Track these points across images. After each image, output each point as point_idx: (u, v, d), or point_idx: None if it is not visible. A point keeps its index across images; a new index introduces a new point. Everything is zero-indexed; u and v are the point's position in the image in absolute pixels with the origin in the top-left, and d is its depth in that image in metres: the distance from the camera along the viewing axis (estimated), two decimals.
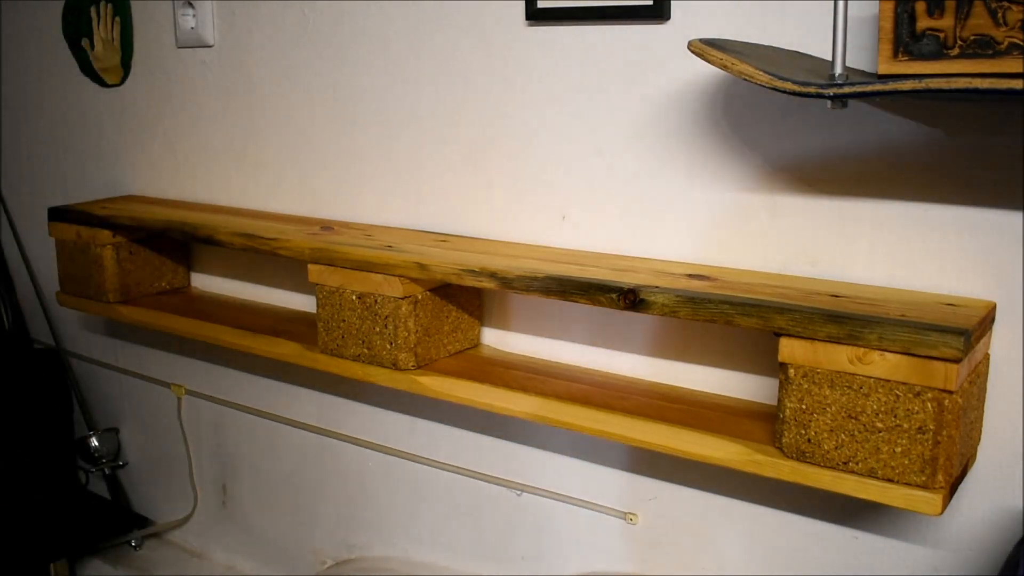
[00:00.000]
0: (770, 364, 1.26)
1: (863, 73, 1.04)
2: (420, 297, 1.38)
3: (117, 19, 1.93)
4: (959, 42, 0.91)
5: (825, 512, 1.27)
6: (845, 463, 1.06)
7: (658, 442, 1.20)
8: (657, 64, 1.28)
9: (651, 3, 1.26)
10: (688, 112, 1.28)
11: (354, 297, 1.41)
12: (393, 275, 1.36)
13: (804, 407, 1.07)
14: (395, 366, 1.40)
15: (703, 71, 1.25)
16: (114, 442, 2.20)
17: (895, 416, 1.02)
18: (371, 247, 1.42)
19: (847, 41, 0.97)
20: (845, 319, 1.02)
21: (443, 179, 1.53)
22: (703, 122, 1.27)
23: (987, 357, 1.11)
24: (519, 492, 1.56)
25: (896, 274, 1.16)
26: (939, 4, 0.91)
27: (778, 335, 1.07)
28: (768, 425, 1.18)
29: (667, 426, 1.21)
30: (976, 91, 0.87)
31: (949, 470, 1.01)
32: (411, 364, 1.40)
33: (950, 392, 0.99)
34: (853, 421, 1.04)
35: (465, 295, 1.46)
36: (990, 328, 1.10)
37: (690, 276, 1.22)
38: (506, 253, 1.37)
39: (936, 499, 1.01)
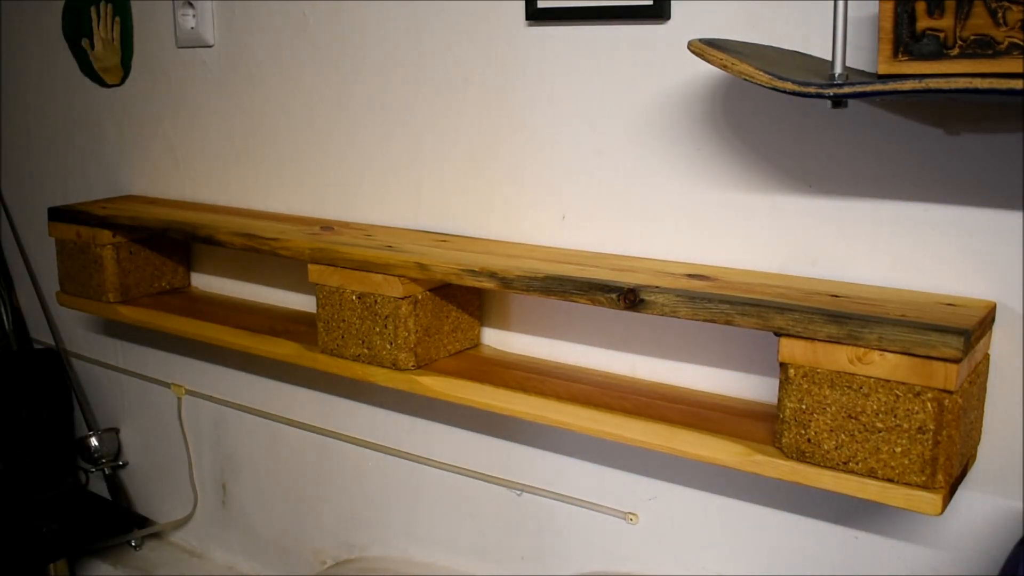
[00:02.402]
0: (770, 364, 1.26)
1: (863, 73, 1.04)
2: (420, 297, 1.38)
3: (117, 19, 1.93)
4: (959, 42, 0.91)
5: (825, 512, 1.27)
6: (845, 463, 1.06)
7: (658, 442, 1.20)
8: (657, 64, 1.28)
9: (651, 3, 1.26)
10: (688, 112, 1.28)
11: (354, 297, 1.41)
12: (393, 275, 1.36)
13: (804, 407, 1.07)
14: (395, 366, 1.40)
15: (703, 71, 1.25)
16: (114, 442, 2.20)
17: (895, 416, 1.02)
18: (371, 247, 1.42)
19: (847, 41, 0.97)
20: (845, 319, 1.02)
21: (443, 179, 1.53)
22: (703, 122, 1.27)
23: (987, 357, 1.11)
24: (519, 492, 1.56)
25: (896, 274, 1.16)
26: (939, 4, 0.91)
27: (778, 335, 1.07)
28: (768, 425, 1.18)
29: (667, 426, 1.21)
30: (976, 91, 0.87)
31: (949, 470, 1.01)
32: (411, 364, 1.40)
33: (950, 392, 0.99)
34: (853, 421, 1.04)
35: (465, 295, 1.46)
36: (990, 328, 1.09)
37: (690, 276, 1.21)
38: (506, 253, 1.37)
39: (936, 499, 1.01)
